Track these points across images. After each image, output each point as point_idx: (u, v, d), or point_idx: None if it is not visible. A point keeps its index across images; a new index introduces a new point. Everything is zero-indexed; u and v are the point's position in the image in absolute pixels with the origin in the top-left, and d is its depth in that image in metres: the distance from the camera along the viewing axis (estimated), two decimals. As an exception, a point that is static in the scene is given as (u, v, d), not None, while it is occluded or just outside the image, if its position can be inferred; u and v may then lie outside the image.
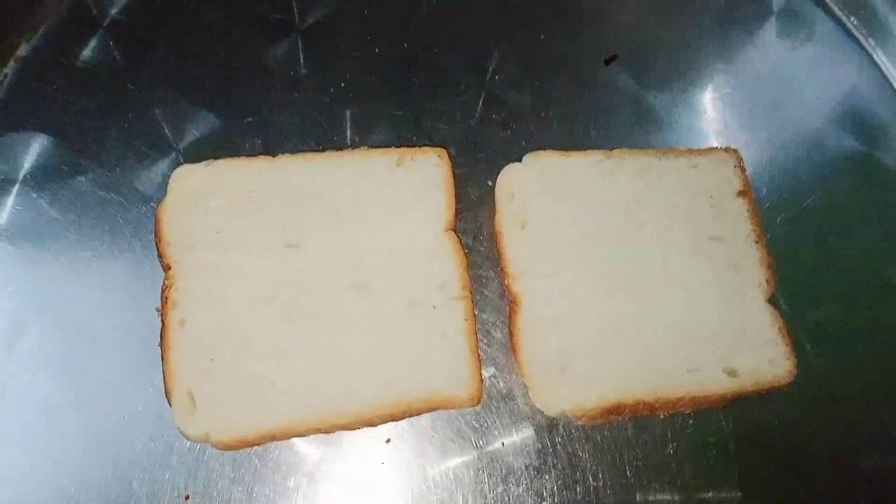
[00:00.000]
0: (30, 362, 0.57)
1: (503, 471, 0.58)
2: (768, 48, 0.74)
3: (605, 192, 0.65)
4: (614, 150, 0.66)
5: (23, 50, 0.65)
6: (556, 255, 0.62)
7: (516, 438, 0.59)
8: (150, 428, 0.56)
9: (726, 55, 0.73)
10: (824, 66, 0.74)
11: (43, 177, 0.62)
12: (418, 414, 0.57)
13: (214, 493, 0.55)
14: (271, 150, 0.64)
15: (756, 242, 0.65)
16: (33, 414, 0.56)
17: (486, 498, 0.57)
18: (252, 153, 0.64)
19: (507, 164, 0.66)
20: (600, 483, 0.58)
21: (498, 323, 0.62)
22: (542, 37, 0.72)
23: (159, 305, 0.57)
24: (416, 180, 0.62)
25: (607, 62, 0.72)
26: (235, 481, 0.55)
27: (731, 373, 0.60)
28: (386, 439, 0.58)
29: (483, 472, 0.57)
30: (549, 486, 0.57)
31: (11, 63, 0.64)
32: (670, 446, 0.60)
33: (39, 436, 0.55)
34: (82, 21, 0.66)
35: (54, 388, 0.56)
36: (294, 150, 0.64)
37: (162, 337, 0.56)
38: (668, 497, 0.59)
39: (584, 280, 0.62)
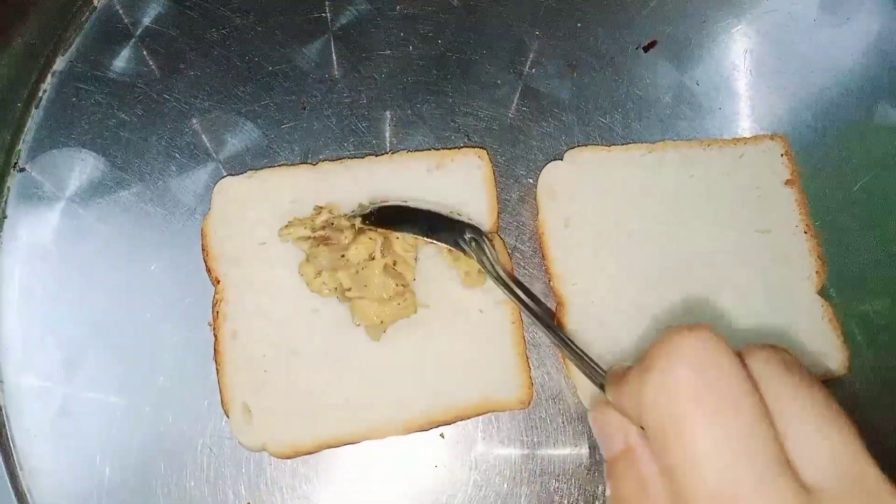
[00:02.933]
0: (90, 380, 0.58)
1: (555, 470, 0.58)
2: (812, 27, 0.71)
3: (649, 187, 0.64)
4: (657, 143, 0.65)
5: (59, 64, 0.65)
6: (600, 254, 0.61)
7: (567, 438, 0.59)
8: (210, 440, 0.57)
9: (768, 37, 0.70)
10: (871, 43, 0.71)
11: (88, 193, 0.62)
12: (470, 418, 0.58)
13: (273, 500, 0.56)
14: (311, 156, 0.64)
15: (805, 233, 0.64)
16: (96, 429, 0.57)
17: (539, 497, 0.58)
18: (291, 161, 0.64)
19: (547, 160, 0.65)
20: (651, 480, 0.58)
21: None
22: (578, 25, 0.70)
23: (211, 320, 0.58)
24: (458, 182, 0.62)
25: (646, 49, 0.70)
26: (293, 487, 0.57)
27: (782, 367, 0.60)
28: (440, 434, 0.59)
29: (535, 472, 0.58)
30: (600, 485, 0.58)
31: (49, 78, 0.64)
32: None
33: (105, 451, 0.57)
34: (115, 33, 0.66)
35: (116, 403, 0.58)
36: (333, 156, 0.64)
37: (216, 350, 0.57)
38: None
39: (629, 277, 0.61)
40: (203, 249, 0.59)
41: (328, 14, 0.67)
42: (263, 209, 0.60)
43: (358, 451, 0.57)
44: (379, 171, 0.61)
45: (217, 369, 0.57)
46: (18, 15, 0.63)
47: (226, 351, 0.57)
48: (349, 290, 0.56)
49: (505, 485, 0.58)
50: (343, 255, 0.57)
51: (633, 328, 0.60)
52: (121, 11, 0.66)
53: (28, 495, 0.56)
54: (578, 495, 0.58)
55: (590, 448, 0.59)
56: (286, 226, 0.59)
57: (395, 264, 0.57)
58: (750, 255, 0.63)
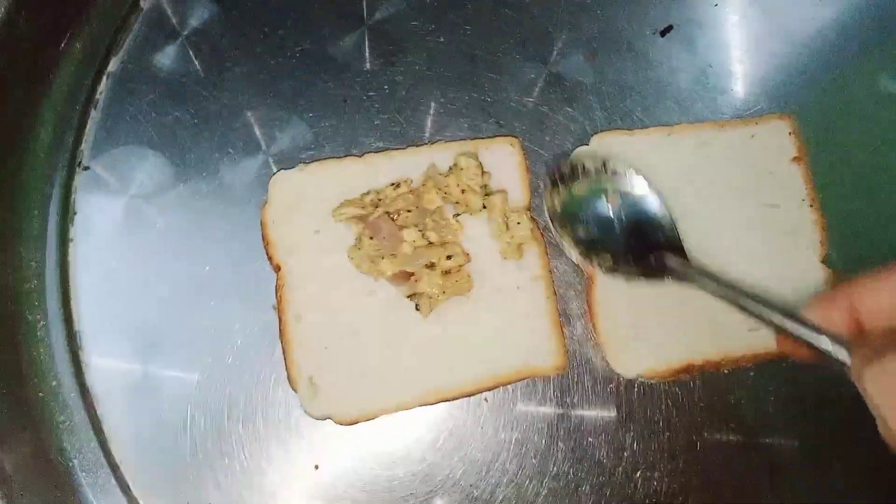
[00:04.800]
0: (165, 359, 0.64)
1: (587, 427, 0.65)
2: (817, 6, 0.75)
3: (668, 168, 0.69)
4: (675, 126, 0.70)
5: (113, 66, 0.68)
6: (625, 232, 0.67)
7: (597, 399, 0.66)
8: (278, 410, 0.64)
9: (776, 18, 0.75)
10: (874, 18, 0.75)
11: (149, 188, 0.67)
12: (511, 383, 0.64)
13: (340, 462, 0.63)
14: (355, 148, 0.68)
15: (810, 206, 0.69)
16: (174, 403, 0.63)
17: (574, 451, 0.65)
18: (337, 153, 0.68)
19: (572, 144, 0.70)
20: (672, 433, 0.65)
21: (574, 296, 0.68)
22: (598, 12, 0.74)
23: (275, 303, 0.63)
24: (493, 169, 0.67)
25: (663, 33, 0.74)
26: (356, 450, 0.63)
27: (790, 330, 0.66)
28: (484, 398, 0.65)
29: (570, 429, 0.65)
30: (628, 440, 0.65)
31: (105, 80, 0.68)
32: (733, 396, 0.67)
33: (182, 422, 0.63)
34: (163, 33, 0.69)
35: (190, 379, 0.64)
36: (376, 148, 0.68)
37: (281, 332, 0.63)
38: (732, 439, 0.66)
39: (652, 253, 0.67)
40: (263, 238, 0.64)
41: (364, 8, 0.71)
42: (316, 199, 0.65)
43: (412, 416, 0.64)
44: (420, 161, 0.66)
45: (283, 348, 0.63)
46: (74, 21, 0.66)
47: (291, 332, 0.62)
48: (398, 272, 0.62)
49: (543, 441, 0.65)
50: (386, 238, 0.62)
51: (656, 299, 0.66)
52: (168, 12, 0.70)
53: (120, 466, 0.62)
54: (608, 449, 0.65)
55: (617, 408, 0.66)
56: (339, 206, 0.64)
57: (443, 244, 0.63)
58: (760, 228, 0.69)
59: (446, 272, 0.62)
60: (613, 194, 0.64)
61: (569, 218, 0.64)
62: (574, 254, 0.64)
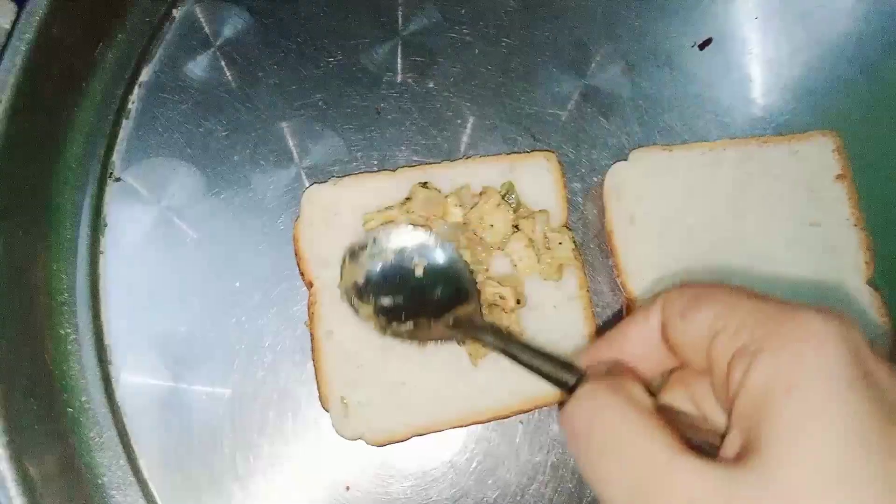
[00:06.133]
0: (195, 375, 0.63)
1: (623, 451, 0.64)
2: (862, 23, 0.73)
3: (709, 185, 0.67)
4: (716, 142, 0.68)
5: (145, 76, 0.67)
6: (665, 250, 0.65)
7: (634, 422, 0.64)
8: (309, 430, 0.63)
9: (821, 32, 0.73)
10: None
11: (181, 199, 0.66)
12: (547, 405, 0.63)
13: (371, 484, 0.62)
14: (388, 162, 0.67)
15: (854, 226, 0.67)
16: (204, 419, 0.62)
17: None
18: (370, 167, 0.67)
19: (609, 159, 0.69)
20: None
21: (611, 316, 0.66)
22: (636, 24, 0.72)
23: (307, 320, 0.62)
24: (529, 184, 0.65)
25: (702, 46, 0.72)
26: (389, 471, 0.62)
27: (833, 353, 0.65)
28: (519, 421, 0.64)
29: (604, 453, 0.64)
30: (666, 463, 0.63)
31: (137, 90, 0.67)
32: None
33: (212, 438, 0.62)
34: (195, 43, 0.68)
35: (220, 395, 0.63)
36: (409, 162, 0.67)
37: (313, 349, 0.62)
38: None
39: (691, 272, 0.65)
40: (296, 254, 0.63)
41: (399, 19, 0.70)
42: (348, 214, 0.64)
43: (445, 437, 0.62)
44: (455, 176, 0.65)
45: (315, 366, 0.61)
46: (107, 30, 0.65)
47: (322, 349, 0.61)
48: None
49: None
50: None
51: (696, 320, 0.64)
52: (201, 22, 0.69)
53: (149, 482, 0.61)
54: (645, 473, 0.63)
55: (655, 430, 0.64)
56: (369, 215, 0.63)
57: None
58: (802, 248, 0.67)
59: (490, 305, 0.61)
60: (411, 260, 0.60)
61: (366, 288, 0.60)
62: (374, 323, 0.60)
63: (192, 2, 0.69)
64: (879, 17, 0.74)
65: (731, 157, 0.68)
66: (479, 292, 0.61)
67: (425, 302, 0.60)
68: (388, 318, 0.60)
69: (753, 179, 0.68)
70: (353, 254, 0.61)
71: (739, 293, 0.42)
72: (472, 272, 0.61)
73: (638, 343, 0.46)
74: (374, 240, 0.61)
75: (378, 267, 0.60)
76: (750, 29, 0.73)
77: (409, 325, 0.60)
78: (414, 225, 0.61)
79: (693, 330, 0.42)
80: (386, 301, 0.60)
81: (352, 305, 0.61)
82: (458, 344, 0.61)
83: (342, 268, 0.61)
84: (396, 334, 0.60)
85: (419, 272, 0.60)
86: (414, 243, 0.61)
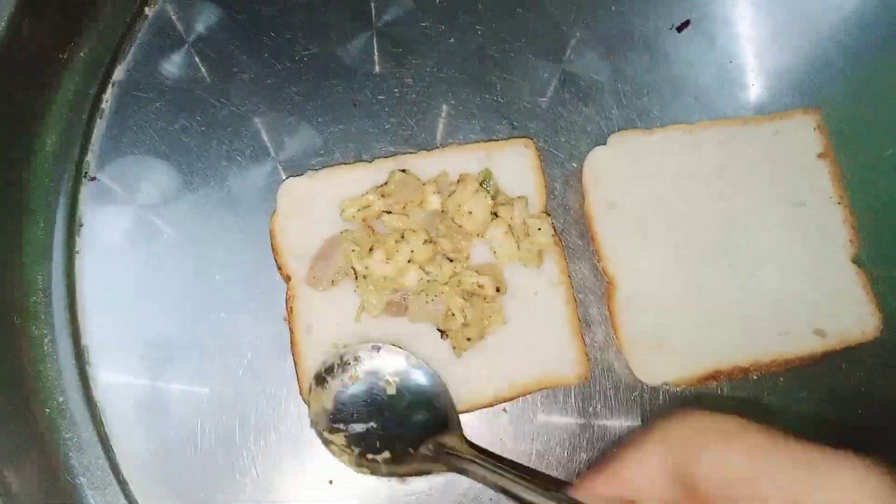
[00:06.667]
0: (174, 373, 0.62)
1: (611, 437, 0.63)
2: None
3: (690, 167, 0.66)
4: (696, 124, 0.68)
5: (118, 74, 0.67)
6: (647, 234, 0.65)
7: (621, 408, 0.63)
8: (290, 424, 0.62)
9: (798, 10, 0.72)
10: (900, 10, 0.73)
11: (157, 197, 0.65)
12: (531, 393, 0.62)
13: (355, 477, 0.60)
14: (365, 153, 0.67)
15: (839, 203, 0.67)
16: (184, 417, 0.62)
17: (597, 462, 0.62)
18: (347, 158, 0.66)
19: (589, 145, 0.68)
20: (700, 442, 0.63)
21: (593, 301, 0.65)
22: (612, 9, 0.72)
23: (286, 315, 0.62)
24: (508, 172, 0.65)
25: (679, 29, 0.72)
26: (371, 465, 0.61)
27: (821, 333, 0.64)
28: (503, 408, 0.63)
29: (592, 440, 0.63)
30: (654, 449, 0.62)
31: (110, 89, 0.67)
32: (762, 403, 0.64)
33: (192, 436, 0.61)
34: (168, 41, 0.68)
35: (200, 392, 0.62)
36: (386, 153, 0.67)
37: (292, 343, 0.61)
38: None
39: (675, 255, 0.65)
40: (273, 248, 0.62)
41: (373, 10, 0.69)
42: (326, 207, 0.63)
43: (428, 428, 0.61)
44: (432, 165, 0.64)
45: (294, 361, 0.61)
46: (79, 28, 0.65)
47: (302, 343, 0.61)
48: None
49: (565, 453, 0.63)
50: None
51: (680, 303, 0.63)
52: (173, 19, 0.68)
53: (129, 483, 0.60)
54: (634, 460, 0.62)
55: (641, 417, 0.63)
56: (345, 202, 0.62)
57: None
58: (788, 228, 0.66)
59: (470, 294, 0.60)
60: (383, 380, 0.58)
61: (337, 415, 0.57)
62: (347, 459, 0.57)
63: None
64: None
65: (713, 138, 0.67)
66: (458, 420, 0.58)
67: (402, 428, 0.56)
68: (363, 449, 0.56)
69: (736, 160, 0.67)
70: (320, 378, 0.58)
71: (773, 436, 0.42)
72: (452, 405, 0.59)
73: (640, 476, 0.44)
74: (343, 360, 0.58)
75: (349, 390, 0.57)
76: (729, 9, 0.72)
77: (386, 454, 0.56)
78: (387, 345, 0.59)
79: (721, 470, 0.41)
80: (358, 428, 0.56)
81: (322, 438, 0.57)
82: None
83: (309, 394, 0.59)
84: (373, 469, 0.56)
85: (391, 391, 0.57)
86: (390, 367, 0.58)
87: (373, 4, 0.70)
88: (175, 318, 0.63)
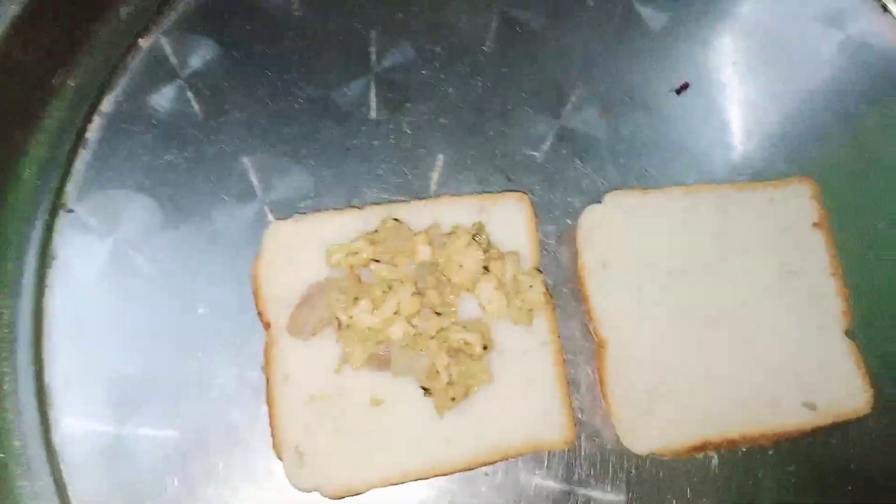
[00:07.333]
0: (141, 418, 0.59)
1: (595, 507, 0.60)
2: (838, 71, 0.73)
3: (685, 230, 0.65)
4: (692, 186, 0.67)
5: (106, 105, 0.65)
6: (640, 296, 0.63)
7: (606, 475, 0.61)
8: (262, 477, 0.59)
9: (798, 79, 0.73)
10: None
11: (136, 233, 0.63)
12: (515, 456, 0.60)
13: (324, 538, 0.58)
14: (356, 199, 0.65)
15: (833, 275, 0.66)
16: (148, 465, 0.58)
17: (579, 534, 0.60)
18: (337, 204, 0.65)
19: (584, 202, 0.67)
20: (687, 515, 0.61)
21: (582, 363, 0.64)
22: (612, 68, 0.71)
23: (264, 364, 0.59)
24: (501, 225, 0.63)
25: (679, 91, 0.72)
26: (345, 526, 0.58)
27: (811, 406, 0.62)
28: (484, 472, 0.60)
29: (575, 509, 0.60)
30: (640, 524, 0.60)
31: (97, 119, 0.65)
32: (752, 477, 0.62)
33: (168, 481, 0.58)
34: (161, 74, 0.67)
35: (167, 439, 0.59)
36: (378, 199, 0.65)
37: (268, 392, 0.58)
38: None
39: (667, 319, 0.63)
40: (254, 293, 0.60)
41: (373, 55, 0.69)
42: (312, 252, 0.61)
43: (405, 490, 0.59)
44: (424, 215, 0.63)
45: (269, 412, 0.58)
46: (70, 56, 0.63)
47: (278, 393, 0.58)
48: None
49: (547, 521, 0.60)
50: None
51: (672, 369, 0.62)
52: (167, 53, 0.67)
53: (84, 535, 0.57)
54: (618, 532, 0.60)
55: (627, 488, 0.61)
56: (333, 248, 0.60)
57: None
58: (782, 296, 0.65)
59: (456, 351, 0.58)
60: None
61: None
62: None
63: (160, 32, 0.67)
64: (858, 66, 0.74)
65: (709, 202, 0.67)
66: None
67: None
68: None
69: (731, 225, 0.66)
70: None
71: None
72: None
73: None
74: None
75: None
76: (728, 74, 0.73)
77: None
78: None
79: None
80: None
81: None
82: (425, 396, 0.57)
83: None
84: None
85: None
86: None
87: (373, 49, 0.69)
88: (147, 358, 0.61)
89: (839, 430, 0.63)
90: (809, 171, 0.69)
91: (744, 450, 0.62)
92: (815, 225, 0.67)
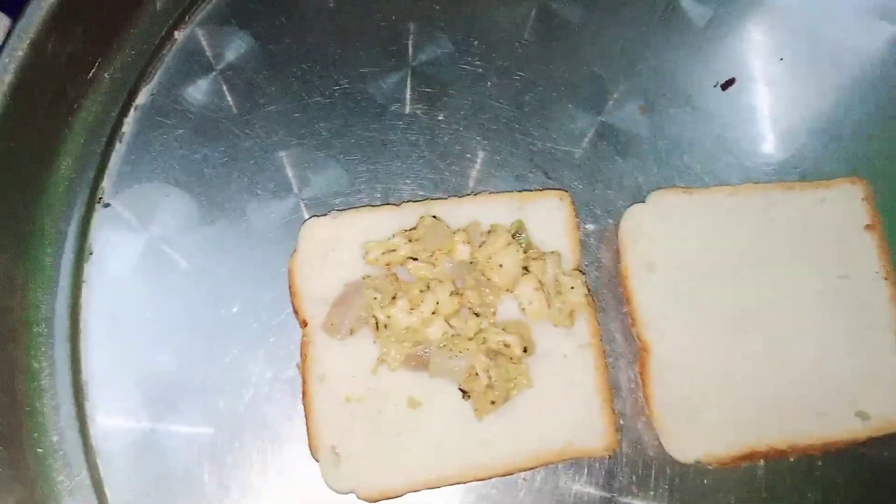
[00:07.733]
0: (185, 418, 0.59)
1: (635, 516, 0.59)
2: (888, 63, 0.71)
3: (731, 231, 0.63)
4: (739, 186, 0.65)
5: (142, 98, 0.65)
6: (684, 299, 0.61)
7: (648, 483, 0.59)
8: (298, 480, 0.58)
9: (852, 76, 0.70)
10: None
11: (172, 228, 0.63)
12: (554, 463, 0.58)
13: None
14: (392, 195, 0.64)
15: (885, 279, 0.63)
16: (193, 465, 0.58)
17: (619, 543, 0.58)
18: (373, 200, 0.64)
19: (625, 200, 0.65)
20: (730, 526, 0.59)
21: (624, 367, 0.62)
22: (655, 62, 0.69)
23: (300, 361, 0.58)
24: (540, 224, 0.62)
25: (724, 87, 0.70)
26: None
27: (863, 416, 0.60)
28: (522, 477, 0.59)
29: (615, 517, 0.59)
30: (682, 532, 0.58)
31: (133, 112, 0.64)
32: (799, 489, 0.60)
33: (203, 478, 0.58)
34: (196, 65, 0.66)
35: (202, 436, 0.58)
36: (414, 197, 0.64)
37: (304, 392, 0.57)
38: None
39: (713, 323, 0.61)
40: (290, 290, 0.59)
41: (410, 49, 0.67)
42: (349, 250, 0.60)
43: (441, 495, 0.58)
44: (462, 213, 0.61)
45: (305, 411, 0.57)
46: (105, 49, 0.63)
47: (314, 393, 0.57)
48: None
49: (586, 529, 0.59)
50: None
51: (717, 375, 0.60)
52: (203, 45, 0.66)
53: (120, 532, 0.57)
54: (659, 541, 0.58)
55: (670, 495, 0.59)
56: (370, 245, 0.59)
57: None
58: (830, 301, 0.62)
59: (495, 353, 0.57)
60: None
61: None
62: None
63: (195, 24, 0.66)
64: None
65: (755, 202, 0.64)
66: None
67: None
68: None
69: (778, 227, 0.64)
70: None
71: None
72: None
73: None
74: None
75: None
76: (774, 70, 0.70)
77: None
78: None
79: None
80: None
81: None
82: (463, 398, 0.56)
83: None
84: None
85: None
86: None
87: (410, 42, 0.68)
88: (182, 355, 0.60)
89: (890, 440, 0.61)
90: (860, 171, 0.67)
91: (791, 460, 0.60)
92: (867, 227, 0.65)
